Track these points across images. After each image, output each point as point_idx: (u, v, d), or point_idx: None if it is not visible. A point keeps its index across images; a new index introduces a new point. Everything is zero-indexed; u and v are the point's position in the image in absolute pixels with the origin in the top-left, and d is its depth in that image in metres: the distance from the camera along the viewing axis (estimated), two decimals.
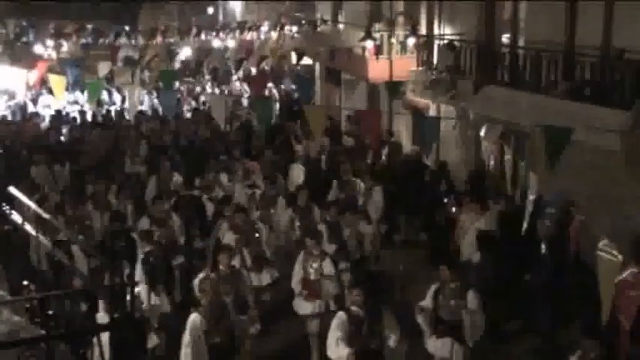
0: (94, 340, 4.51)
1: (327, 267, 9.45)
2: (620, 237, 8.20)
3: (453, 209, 11.93)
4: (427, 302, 8.16)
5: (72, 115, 20.48)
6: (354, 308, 7.29)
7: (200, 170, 13.57)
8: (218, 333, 7.65)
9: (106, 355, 4.40)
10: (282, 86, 25.56)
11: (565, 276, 9.66)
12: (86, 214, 11.28)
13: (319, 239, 9.92)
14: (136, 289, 8.31)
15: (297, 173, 14.93)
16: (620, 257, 6.77)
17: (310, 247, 9.54)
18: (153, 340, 8.50)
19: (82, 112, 20.60)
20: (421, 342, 8.29)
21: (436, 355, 8.20)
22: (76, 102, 21.88)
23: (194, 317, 7.63)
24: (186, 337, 7.62)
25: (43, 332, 4.37)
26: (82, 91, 20.94)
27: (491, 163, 14.05)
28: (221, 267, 8.69)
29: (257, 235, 10.37)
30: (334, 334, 7.22)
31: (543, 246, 10.05)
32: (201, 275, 8.37)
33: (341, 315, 7.34)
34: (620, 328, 6.95)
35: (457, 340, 7.94)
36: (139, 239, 9.99)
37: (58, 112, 20.29)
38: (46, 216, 5.34)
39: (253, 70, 24.05)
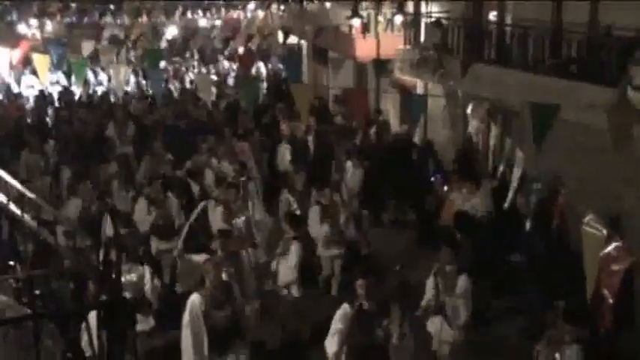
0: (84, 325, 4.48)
1: (288, 249, 9.30)
2: (607, 216, 8.26)
3: (445, 188, 11.90)
4: (430, 287, 8.11)
5: (55, 95, 20.31)
6: (362, 301, 7.06)
7: (189, 151, 13.46)
8: (219, 315, 7.57)
9: (94, 336, 4.37)
10: (270, 65, 25.43)
11: (549, 254, 9.71)
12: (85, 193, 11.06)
13: (295, 222, 9.71)
14: (139, 271, 8.32)
15: (284, 154, 14.89)
16: (604, 232, 6.81)
17: (286, 231, 9.45)
18: (149, 323, 8.44)
19: (70, 92, 20.41)
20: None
21: (434, 334, 8.17)
22: (57, 82, 21.66)
23: (194, 298, 7.55)
24: (185, 318, 7.55)
25: (30, 311, 4.34)
26: (68, 73, 20.73)
27: (479, 141, 14.08)
28: (219, 252, 8.57)
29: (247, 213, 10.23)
30: (334, 325, 7.07)
31: (528, 223, 10.09)
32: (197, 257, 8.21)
33: (345, 307, 7.13)
34: (604, 302, 7.01)
35: (446, 321, 7.94)
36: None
37: (42, 92, 20.11)
38: (30, 195, 5.28)
39: (240, 49, 23.91)
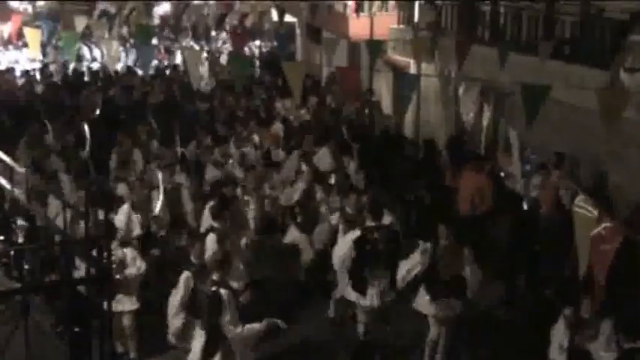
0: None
1: None
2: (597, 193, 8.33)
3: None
4: (415, 262, 8.13)
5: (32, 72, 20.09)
6: None
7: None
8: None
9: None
10: (263, 43, 25.27)
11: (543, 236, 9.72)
12: None
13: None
14: (124, 250, 8.28)
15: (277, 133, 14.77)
16: (595, 212, 6.82)
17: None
18: (133, 303, 8.40)
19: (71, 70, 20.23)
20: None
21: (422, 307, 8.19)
22: (34, 60, 21.28)
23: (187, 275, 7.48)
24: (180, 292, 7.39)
25: (19, 285, 4.36)
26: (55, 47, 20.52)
27: (471, 121, 14.04)
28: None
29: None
30: None
31: (525, 205, 10.13)
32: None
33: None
34: (595, 283, 7.06)
35: (454, 296, 7.99)
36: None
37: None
38: (20, 170, 5.29)
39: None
